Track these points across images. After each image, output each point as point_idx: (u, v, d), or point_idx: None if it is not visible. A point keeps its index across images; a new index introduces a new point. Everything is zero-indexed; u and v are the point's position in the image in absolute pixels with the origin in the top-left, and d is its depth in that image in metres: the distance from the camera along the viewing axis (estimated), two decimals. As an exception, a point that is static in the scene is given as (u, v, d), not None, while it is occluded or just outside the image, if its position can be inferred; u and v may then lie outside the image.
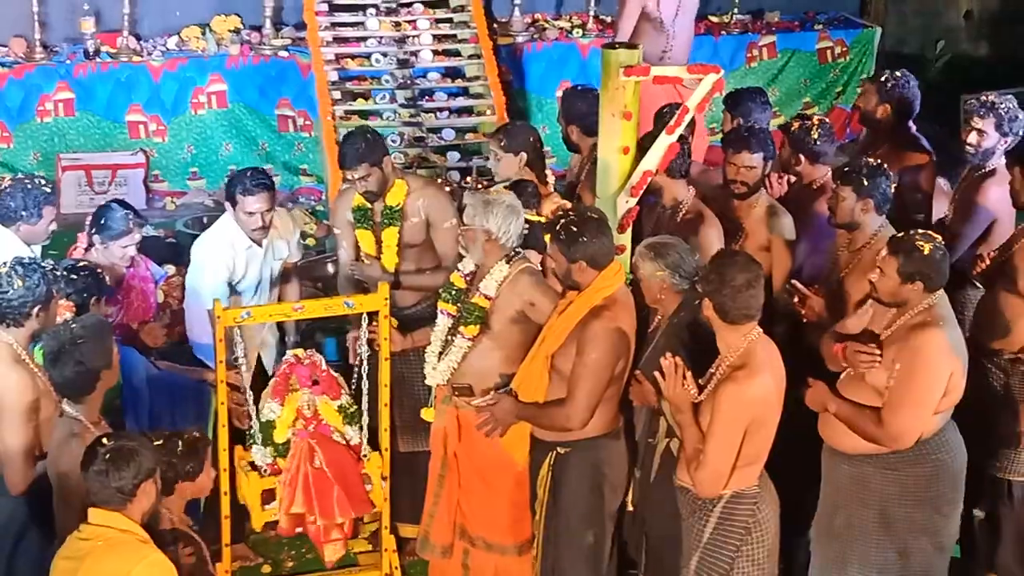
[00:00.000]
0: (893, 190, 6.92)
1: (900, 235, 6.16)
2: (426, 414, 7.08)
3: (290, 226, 7.68)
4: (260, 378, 7.22)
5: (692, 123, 7.40)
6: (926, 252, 5.94)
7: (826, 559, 6.36)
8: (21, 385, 5.89)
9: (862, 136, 8.78)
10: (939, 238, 6.07)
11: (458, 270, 6.85)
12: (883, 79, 8.23)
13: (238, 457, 6.80)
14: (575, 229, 6.23)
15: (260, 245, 7.40)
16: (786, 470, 6.14)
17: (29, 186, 7.11)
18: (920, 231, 6.11)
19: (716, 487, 5.86)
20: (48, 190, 7.19)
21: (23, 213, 7.03)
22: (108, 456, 5.02)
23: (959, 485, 6.27)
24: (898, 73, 8.27)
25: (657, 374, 5.88)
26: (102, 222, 7.15)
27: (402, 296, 7.44)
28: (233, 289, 7.34)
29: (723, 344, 5.88)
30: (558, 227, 6.27)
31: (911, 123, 8.29)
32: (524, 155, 7.71)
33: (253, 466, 6.78)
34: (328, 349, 8.24)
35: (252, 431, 6.78)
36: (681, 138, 7.15)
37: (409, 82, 10.87)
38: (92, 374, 5.69)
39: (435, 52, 11.09)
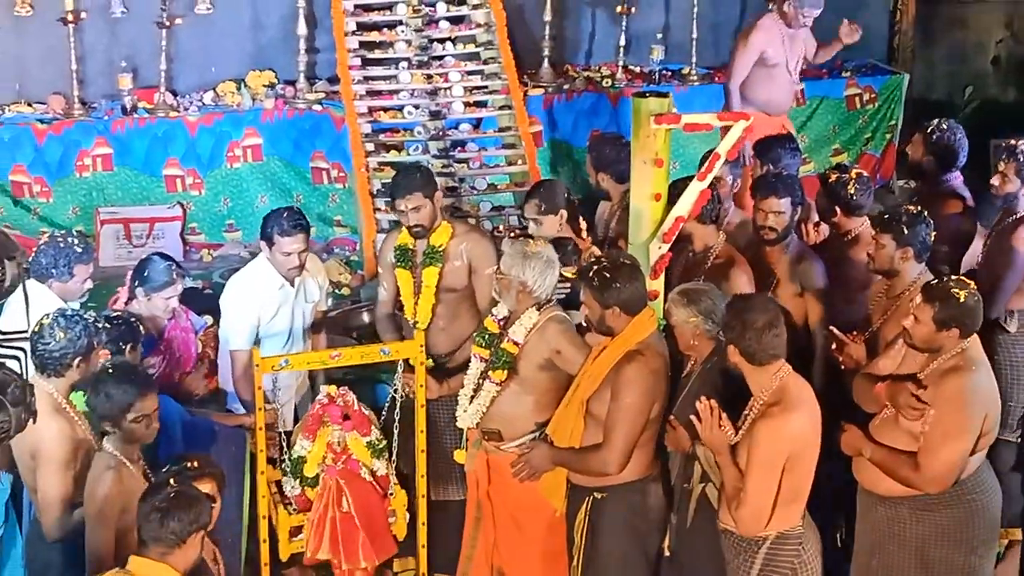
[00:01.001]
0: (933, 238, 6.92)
1: (935, 282, 6.16)
2: (458, 456, 7.14)
3: (320, 267, 7.75)
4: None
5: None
6: (962, 299, 5.94)
7: None
8: (61, 434, 5.95)
9: (899, 183, 8.79)
10: (973, 284, 6.07)
11: (492, 315, 6.92)
12: (929, 130, 8.24)
13: (269, 477, 6.86)
14: (608, 275, 6.29)
15: (292, 285, 7.45)
16: (824, 509, 6.18)
17: (61, 244, 7.14)
18: (954, 277, 6.13)
19: (758, 525, 5.88)
20: (80, 249, 7.19)
21: (53, 271, 7.08)
22: (173, 495, 5.07)
23: (996, 526, 6.28)
24: (944, 125, 8.29)
25: (693, 417, 5.93)
26: (145, 274, 7.21)
27: (439, 342, 7.50)
28: (257, 334, 7.38)
29: (755, 385, 5.92)
30: (591, 273, 6.33)
31: (958, 172, 8.31)
32: (564, 212, 7.78)
33: (282, 495, 6.86)
34: (376, 395, 8.28)
35: (283, 466, 6.86)
36: (711, 184, 7.22)
37: (441, 133, 10.95)
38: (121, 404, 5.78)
39: (466, 104, 11.18)
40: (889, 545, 6.23)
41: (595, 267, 6.35)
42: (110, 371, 5.91)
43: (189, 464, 5.60)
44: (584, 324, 6.77)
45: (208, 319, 7.80)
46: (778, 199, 7.39)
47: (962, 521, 6.13)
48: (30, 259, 7.03)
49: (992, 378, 6.13)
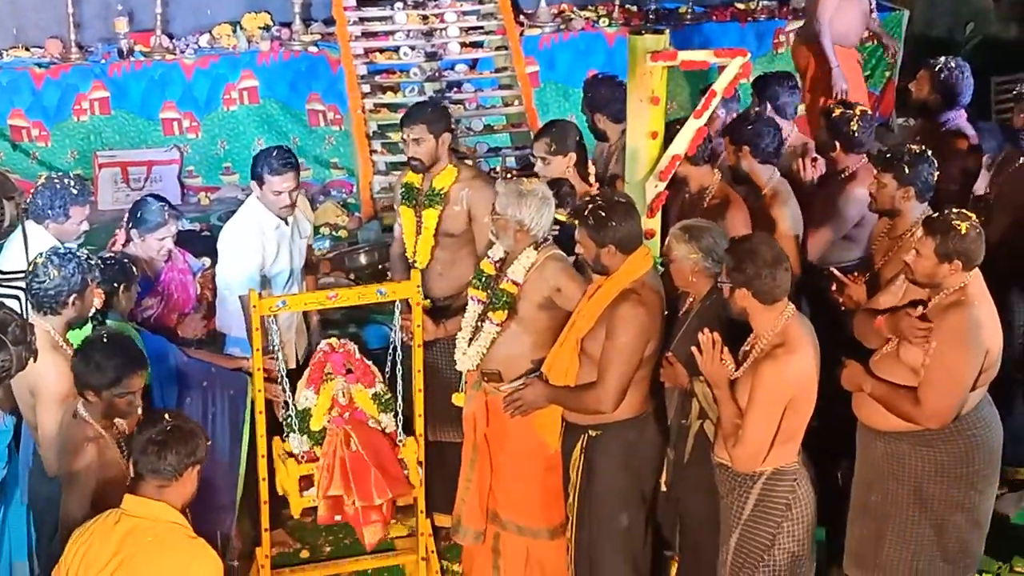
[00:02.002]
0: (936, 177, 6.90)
1: (936, 215, 6.14)
2: (457, 399, 7.16)
3: (304, 202, 7.74)
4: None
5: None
6: (964, 231, 5.91)
7: (862, 535, 6.38)
8: (59, 371, 5.94)
9: (898, 121, 8.80)
10: (974, 217, 6.04)
11: (488, 257, 6.91)
12: (936, 68, 8.21)
13: (276, 448, 6.88)
14: (604, 214, 6.28)
15: (287, 223, 7.44)
16: (821, 447, 6.21)
17: (58, 186, 7.10)
18: (956, 210, 6.09)
19: (755, 463, 5.91)
20: (76, 191, 7.15)
21: (50, 212, 7.04)
22: (170, 428, 5.01)
23: (995, 460, 6.28)
24: (952, 63, 8.26)
25: (695, 349, 5.93)
26: (139, 215, 7.22)
27: (437, 286, 7.53)
28: (264, 279, 7.37)
29: (761, 326, 5.91)
30: (586, 212, 6.32)
31: (962, 110, 8.30)
32: (573, 155, 7.77)
33: (290, 454, 6.87)
34: (370, 335, 8.31)
35: (288, 419, 6.87)
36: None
37: (437, 74, 10.93)
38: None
39: (462, 44, 11.16)
40: (888, 481, 6.24)
41: (590, 206, 6.34)
42: (104, 340, 5.82)
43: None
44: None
45: (206, 261, 7.81)
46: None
47: (961, 456, 6.13)
48: (34, 200, 7.06)
49: (995, 314, 6.10)
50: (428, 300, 7.29)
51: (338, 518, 6.84)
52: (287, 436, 6.87)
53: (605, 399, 6.32)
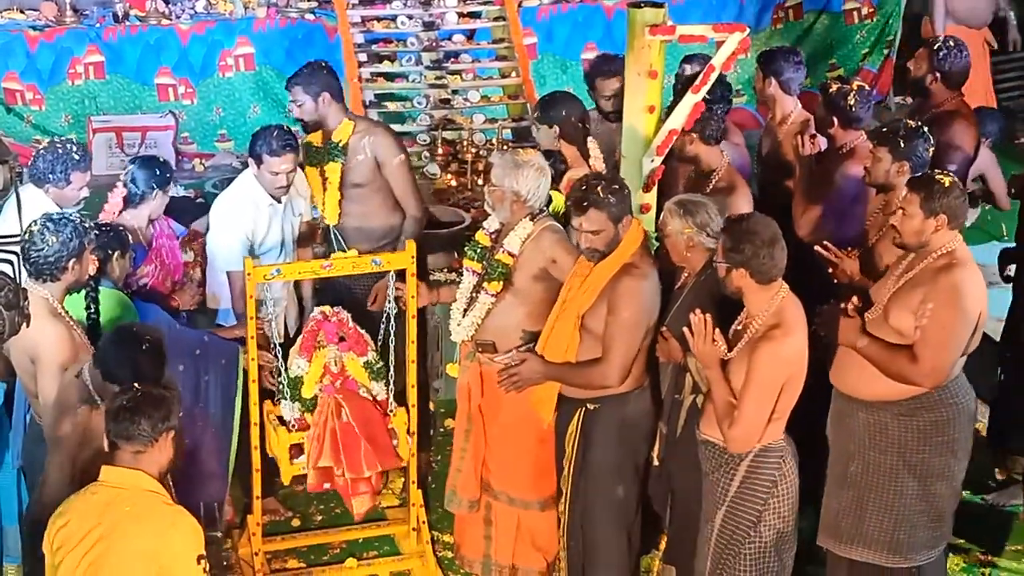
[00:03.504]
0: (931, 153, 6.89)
1: (918, 175, 6.22)
2: (450, 369, 7.17)
3: (305, 183, 7.76)
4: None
5: None
6: (947, 185, 5.98)
7: (840, 507, 6.37)
8: (59, 338, 5.93)
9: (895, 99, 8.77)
10: (955, 178, 6.12)
11: (483, 228, 6.92)
12: (936, 47, 8.20)
13: (267, 411, 6.89)
14: (618, 186, 6.33)
15: (280, 202, 7.46)
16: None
17: (60, 150, 7.14)
18: (936, 171, 6.16)
19: (750, 444, 5.91)
20: (78, 157, 7.19)
21: (50, 176, 7.08)
22: (140, 394, 4.98)
23: (971, 427, 6.33)
24: (951, 43, 8.25)
25: (686, 330, 5.94)
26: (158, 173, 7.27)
27: (356, 241, 7.73)
28: (253, 251, 7.35)
29: (755, 305, 5.91)
30: (600, 192, 6.28)
31: (961, 92, 8.29)
32: (557, 128, 7.73)
33: (281, 421, 6.87)
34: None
35: (280, 387, 6.87)
36: (714, 102, 7.19)
37: (434, 44, 10.89)
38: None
39: (460, 14, 11.10)
40: (869, 451, 6.24)
41: (599, 186, 6.30)
42: (144, 347, 5.65)
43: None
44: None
45: (195, 225, 7.79)
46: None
47: (944, 424, 6.16)
48: (28, 163, 7.05)
49: (982, 279, 6.12)
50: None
51: (327, 486, 6.87)
52: (278, 401, 6.89)
53: (611, 373, 6.32)
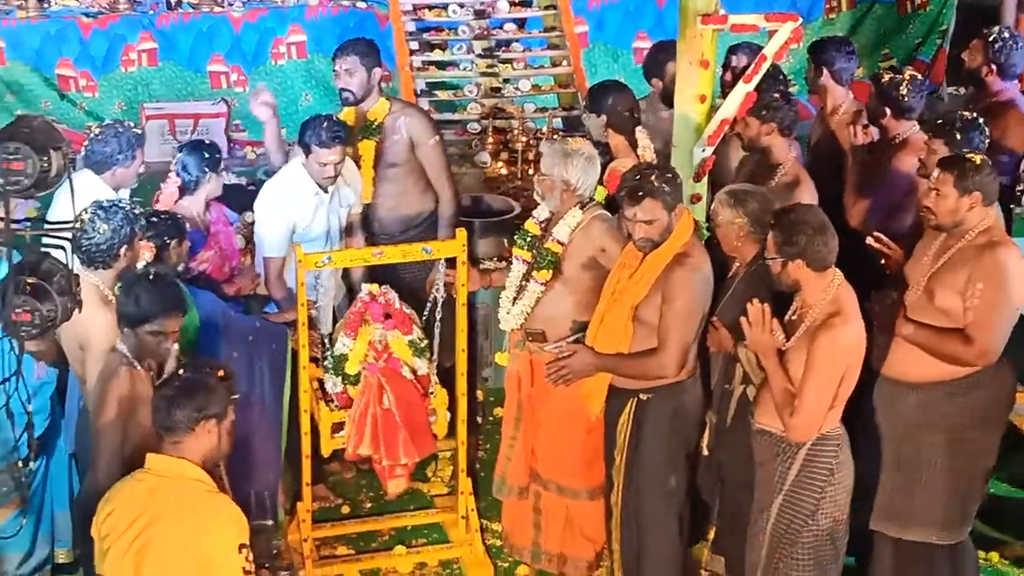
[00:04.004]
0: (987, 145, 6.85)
1: (949, 156, 6.28)
2: (499, 358, 7.18)
3: (356, 173, 7.76)
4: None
5: None
6: (978, 163, 6.03)
7: (893, 489, 6.39)
8: (109, 325, 5.95)
9: (948, 90, 8.70)
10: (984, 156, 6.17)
11: (533, 217, 6.91)
12: (991, 39, 8.14)
13: (311, 375, 6.89)
14: (671, 175, 6.30)
15: (327, 192, 7.47)
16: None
17: (121, 130, 7.20)
18: (966, 150, 6.22)
19: (811, 432, 5.88)
20: (139, 132, 7.31)
21: (119, 156, 7.13)
22: (179, 383, 4.99)
23: (1012, 405, 6.38)
24: (1006, 33, 8.19)
25: (744, 320, 5.90)
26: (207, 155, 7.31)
27: (390, 221, 7.86)
28: (297, 241, 7.34)
29: (812, 294, 5.87)
30: (656, 182, 6.25)
31: (1016, 81, 8.23)
32: (605, 118, 7.71)
33: (324, 392, 6.92)
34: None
35: (324, 363, 6.91)
36: (788, 95, 7.14)
37: (486, 32, 10.89)
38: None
39: (512, 3, 11.09)
40: (923, 432, 6.27)
41: (652, 176, 6.27)
42: (150, 276, 5.86)
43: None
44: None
45: (248, 215, 7.83)
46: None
47: (992, 402, 6.21)
48: (85, 148, 7.10)
49: (1022, 255, 6.15)
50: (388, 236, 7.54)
51: (364, 454, 6.92)
52: (323, 377, 6.94)
53: (668, 363, 6.30)
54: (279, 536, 7.12)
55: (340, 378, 6.85)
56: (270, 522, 6.84)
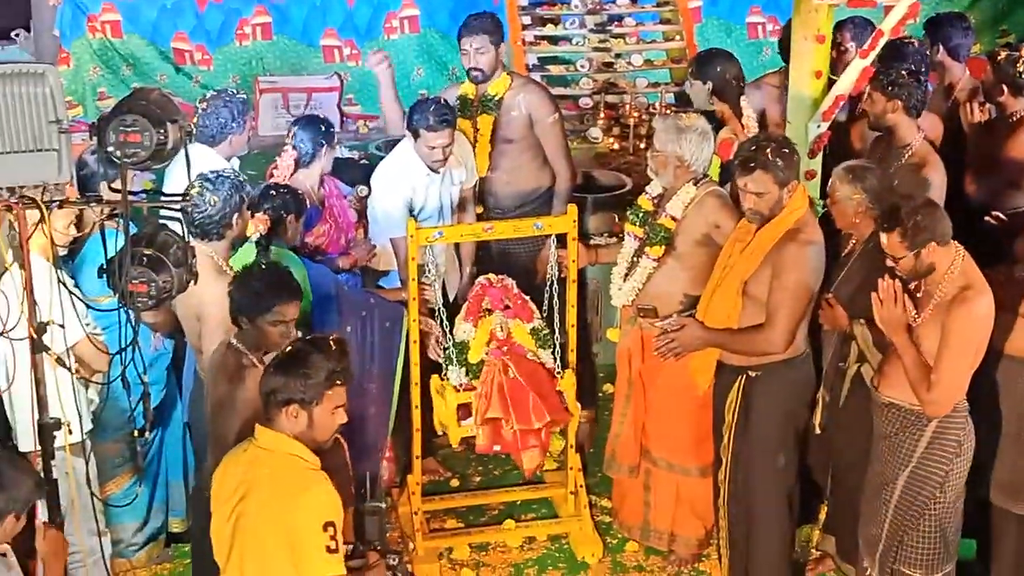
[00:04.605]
0: None
1: None
2: (610, 334, 7.16)
3: (468, 150, 7.76)
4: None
5: None
6: None
7: (1015, 465, 6.31)
8: (224, 295, 5.99)
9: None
10: None
11: (646, 193, 6.88)
12: None
13: (434, 384, 6.91)
14: (787, 151, 6.17)
15: (438, 172, 7.47)
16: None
17: (229, 99, 7.25)
18: None
19: (949, 406, 5.81)
20: (244, 101, 7.36)
21: (232, 125, 7.19)
22: (272, 366, 5.02)
23: None
24: None
25: (874, 296, 5.81)
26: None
27: (504, 195, 7.84)
28: (414, 218, 7.36)
29: (941, 268, 5.79)
30: (770, 154, 6.17)
31: None
32: (711, 84, 7.66)
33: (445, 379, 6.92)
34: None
35: (447, 352, 6.90)
36: (917, 73, 7.04)
37: (599, 7, 10.84)
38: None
39: (625, -23, 11.04)
40: None
41: (768, 148, 6.17)
42: (261, 267, 5.87)
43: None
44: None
45: (362, 189, 7.86)
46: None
47: None
48: (203, 121, 7.16)
49: None
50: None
51: (497, 448, 6.85)
52: (445, 370, 6.89)
53: (776, 340, 6.22)
54: (389, 518, 7.12)
55: (463, 369, 6.83)
56: (383, 504, 6.77)
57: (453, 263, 7.78)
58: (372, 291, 7.19)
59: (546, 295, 6.94)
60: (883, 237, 5.77)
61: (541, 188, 7.90)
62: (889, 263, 5.77)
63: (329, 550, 4.83)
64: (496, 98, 7.73)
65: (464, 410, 6.83)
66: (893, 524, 6.03)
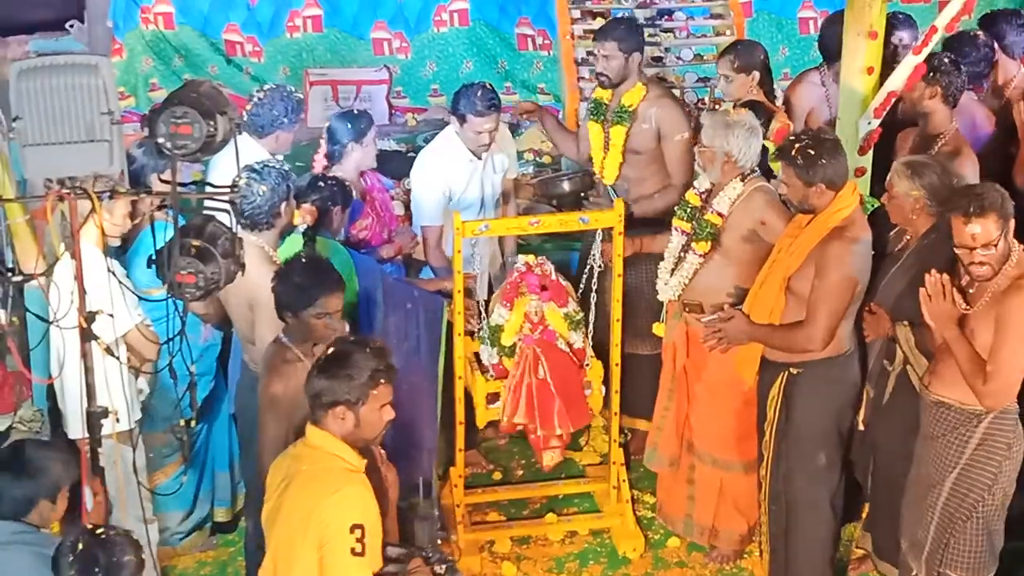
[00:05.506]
0: None
1: None
2: (657, 329, 7.14)
3: (508, 138, 7.76)
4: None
5: None
6: None
7: None
8: (273, 283, 6.05)
9: None
10: None
11: (694, 188, 6.87)
12: None
13: (466, 349, 6.91)
14: (813, 152, 6.12)
15: (480, 158, 7.48)
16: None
17: (284, 94, 7.29)
18: None
19: (1008, 398, 5.78)
20: (299, 98, 7.41)
21: (284, 120, 7.24)
22: (316, 367, 5.01)
23: None
24: None
25: (922, 291, 5.78)
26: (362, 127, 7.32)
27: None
28: (451, 207, 7.37)
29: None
30: (794, 152, 6.17)
31: None
32: (756, 74, 7.65)
33: (479, 363, 6.95)
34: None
35: (480, 334, 6.93)
36: (958, 64, 7.00)
37: (648, 1, 10.80)
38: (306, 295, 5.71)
39: (675, -28, 11.00)
40: None
41: (797, 145, 6.18)
42: (302, 261, 5.89)
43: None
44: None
45: (408, 182, 7.87)
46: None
47: None
48: (255, 112, 7.19)
49: None
50: None
51: (520, 428, 6.92)
52: (479, 348, 6.96)
53: (815, 337, 6.20)
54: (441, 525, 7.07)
55: (496, 349, 6.87)
56: (435, 511, 6.59)
57: (497, 255, 7.80)
58: (414, 282, 7.21)
59: (583, 282, 7.00)
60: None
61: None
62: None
63: (354, 552, 4.82)
64: (630, 109, 7.59)
65: (492, 395, 6.90)
66: (939, 526, 6.00)
